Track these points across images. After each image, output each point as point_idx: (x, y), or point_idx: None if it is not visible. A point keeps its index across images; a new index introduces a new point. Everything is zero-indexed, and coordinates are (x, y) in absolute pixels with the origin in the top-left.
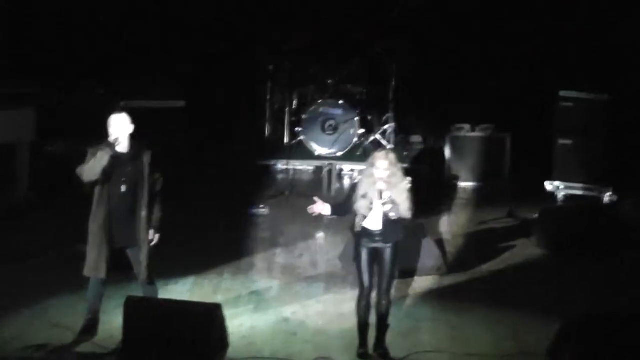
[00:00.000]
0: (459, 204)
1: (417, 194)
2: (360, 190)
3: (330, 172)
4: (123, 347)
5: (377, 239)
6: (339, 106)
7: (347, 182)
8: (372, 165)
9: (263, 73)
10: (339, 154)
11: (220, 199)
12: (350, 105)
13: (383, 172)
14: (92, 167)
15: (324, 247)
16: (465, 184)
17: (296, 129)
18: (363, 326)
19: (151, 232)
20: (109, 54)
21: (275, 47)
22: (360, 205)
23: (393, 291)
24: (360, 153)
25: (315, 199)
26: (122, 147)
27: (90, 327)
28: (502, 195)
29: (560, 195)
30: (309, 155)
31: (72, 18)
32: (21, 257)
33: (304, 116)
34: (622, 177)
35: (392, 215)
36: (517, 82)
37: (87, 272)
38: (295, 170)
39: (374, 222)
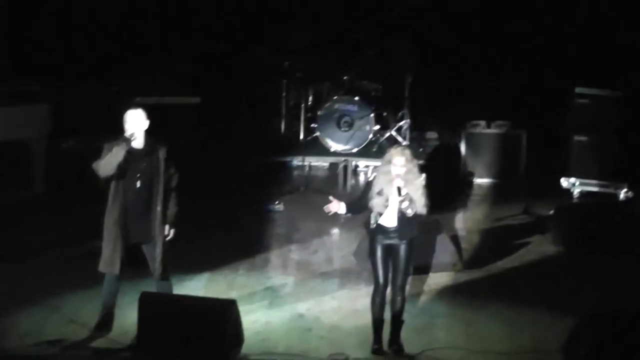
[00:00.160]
0: (475, 201)
1: (433, 191)
2: (376, 187)
3: (345, 168)
4: (137, 343)
5: (392, 235)
6: (355, 102)
7: (362, 178)
8: (389, 161)
9: (278, 70)
10: (355, 150)
11: (235, 195)
12: (365, 102)
13: (400, 168)
14: (108, 162)
15: (339, 244)
16: (481, 181)
17: (311, 125)
18: (378, 322)
19: (166, 227)
20: (121, 51)
21: (289, 44)
22: (375, 202)
23: (408, 287)
24: (375, 149)
25: (331, 198)
26: (138, 142)
27: (105, 323)
28: (517, 192)
29: (576, 191)
30: (324, 151)
31: (84, 15)
32: (36, 254)
33: (319, 112)
34: (637, 174)
35: (409, 212)
36: (532, 78)
37: (102, 267)
38: (310, 166)
39: (389, 219)
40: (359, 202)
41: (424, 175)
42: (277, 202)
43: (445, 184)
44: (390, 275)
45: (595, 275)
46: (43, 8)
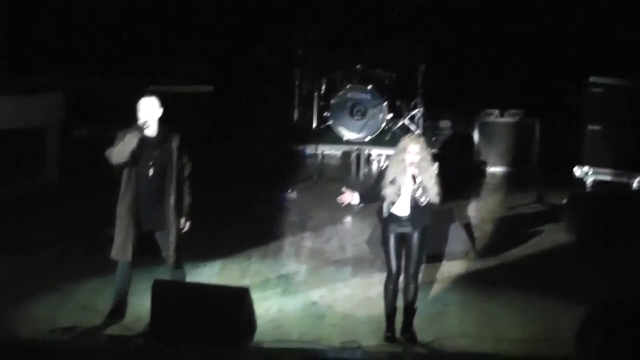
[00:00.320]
0: (488, 189)
1: (446, 179)
2: (389, 176)
3: (358, 156)
4: (150, 330)
5: (404, 224)
6: (368, 91)
7: (375, 166)
8: (403, 149)
9: (291, 58)
10: (368, 138)
11: (248, 184)
12: (378, 90)
13: (414, 156)
14: (121, 150)
15: (352, 232)
16: (494, 169)
17: (325, 113)
18: (390, 310)
19: (182, 220)
20: (137, 38)
21: (303, 33)
22: (388, 191)
23: (420, 276)
24: (388, 138)
25: (343, 189)
26: (151, 130)
27: (118, 310)
28: (530, 181)
29: (589, 180)
30: (337, 140)
31: (98, 3)
32: (50, 241)
33: (332, 101)
34: None
35: (422, 200)
36: (546, 67)
37: (114, 254)
38: (323, 155)
39: (402, 208)
40: (372, 192)
41: (436, 164)
42: (290, 191)
43: (458, 173)
44: (403, 263)
45: (608, 263)
46: None
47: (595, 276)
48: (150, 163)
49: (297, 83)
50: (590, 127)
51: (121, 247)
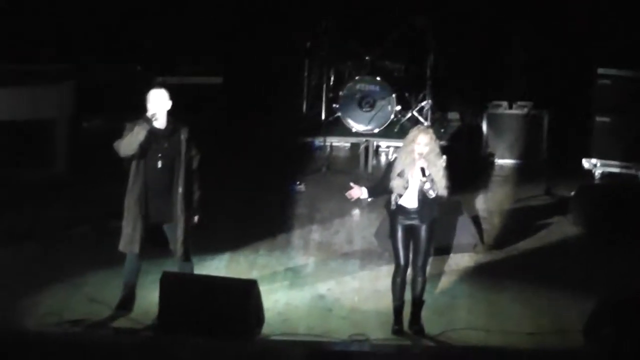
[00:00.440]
0: (496, 182)
1: (454, 171)
2: (397, 168)
3: (367, 148)
4: (159, 323)
5: (412, 216)
6: (376, 83)
7: (383, 158)
8: (412, 141)
9: (300, 49)
10: (376, 130)
11: (257, 176)
12: (387, 82)
13: (424, 147)
14: (129, 142)
15: (360, 224)
16: (502, 161)
17: (333, 105)
18: (398, 303)
19: (192, 213)
20: (146, 30)
21: (311, 23)
22: (396, 183)
23: (428, 268)
24: (397, 130)
25: (352, 184)
26: (160, 122)
27: (126, 303)
28: (539, 173)
29: (598, 173)
30: (345, 132)
31: None
32: (58, 233)
33: (341, 93)
34: None
35: (430, 192)
36: (555, 59)
37: (122, 247)
38: (332, 146)
39: (409, 200)
40: (381, 185)
41: (444, 157)
42: (298, 183)
43: (466, 165)
44: (411, 256)
45: (617, 256)
46: None
47: (603, 268)
48: (159, 155)
49: (305, 74)
50: (599, 119)
51: (129, 239)
